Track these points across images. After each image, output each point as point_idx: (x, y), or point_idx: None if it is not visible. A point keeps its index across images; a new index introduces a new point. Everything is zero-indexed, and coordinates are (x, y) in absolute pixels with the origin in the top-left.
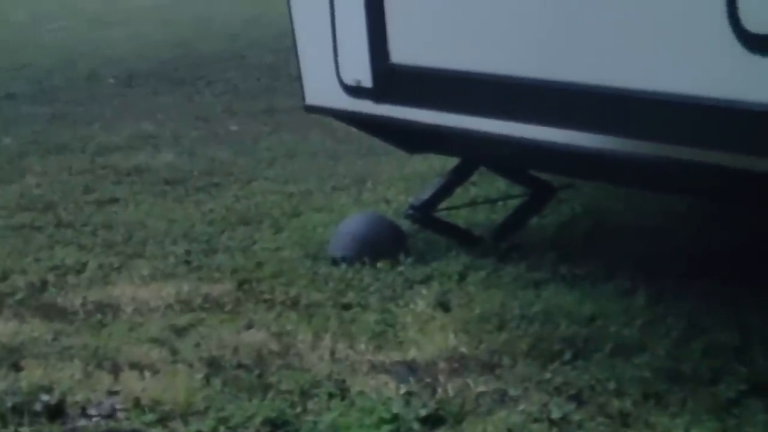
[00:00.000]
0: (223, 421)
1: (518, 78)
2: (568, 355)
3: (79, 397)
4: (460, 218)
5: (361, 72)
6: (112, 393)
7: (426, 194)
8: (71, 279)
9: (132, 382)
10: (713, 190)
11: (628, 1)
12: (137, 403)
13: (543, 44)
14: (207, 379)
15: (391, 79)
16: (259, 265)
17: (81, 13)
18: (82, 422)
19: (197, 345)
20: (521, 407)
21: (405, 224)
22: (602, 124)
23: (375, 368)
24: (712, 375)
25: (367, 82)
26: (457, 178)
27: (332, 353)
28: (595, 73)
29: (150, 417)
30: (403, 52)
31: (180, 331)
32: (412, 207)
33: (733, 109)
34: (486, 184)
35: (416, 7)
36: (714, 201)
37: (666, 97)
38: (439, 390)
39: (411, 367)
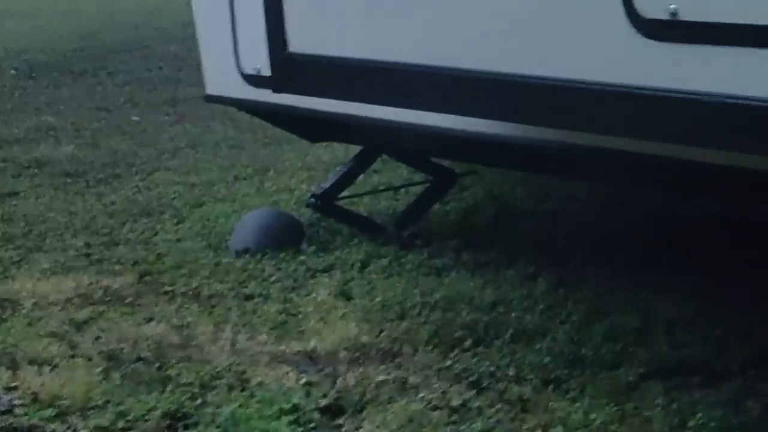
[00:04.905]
0: (122, 414)
1: (416, 66)
2: (468, 342)
3: None
4: (363, 206)
5: (260, 61)
6: (9, 389)
7: (328, 183)
8: None
9: (30, 378)
10: (613, 175)
11: None
12: (35, 399)
13: (441, 32)
14: (106, 373)
15: (290, 69)
16: (160, 256)
17: None
18: None
19: (97, 339)
20: (421, 395)
21: (307, 213)
22: (501, 111)
23: (276, 359)
24: (612, 359)
25: (267, 71)
26: (359, 166)
27: (233, 344)
28: (493, 60)
29: (48, 412)
30: (300, 41)
31: (80, 325)
32: (314, 196)
33: (629, 95)
34: (388, 171)
35: None
36: (614, 185)
37: (563, 83)
38: (340, 379)
39: (312, 357)
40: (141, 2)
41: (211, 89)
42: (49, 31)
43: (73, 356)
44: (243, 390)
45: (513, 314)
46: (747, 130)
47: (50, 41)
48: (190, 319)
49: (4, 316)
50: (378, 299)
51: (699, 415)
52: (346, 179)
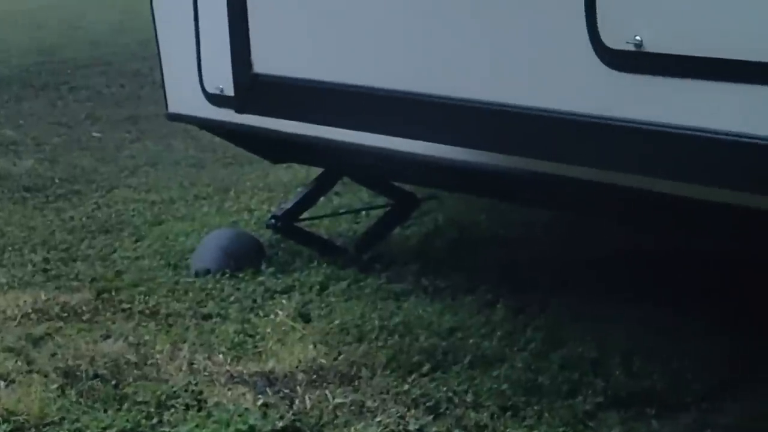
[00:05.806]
0: None
1: (383, 90)
2: (426, 367)
3: None
4: (323, 228)
5: (223, 80)
6: None
7: (288, 204)
8: None
9: None
10: (576, 204)
11: (490, 17)
12: None
13: (408, 57)
14: (62, 390)
15: (254, 89)
16: (119, 274)
17: None
18: None
19: (53, 355)
20: (378, 419)
21: (267, 234)
22: (467, 138)
23: (233, 379)
24: (569, 387)
25: (230, 90)
26: (320, 188)
27: (190, 364)
28: (460, 87)
29: (4, 428)
30: (265, 61)
31: (36, 341)
32: (274, 217)
33: (594, 125)
34: (349, 194)
35: (279, 17)
36: (577, 214)
37: (529, 112)
38: (297, 401)
39: (269, 379)
40: (103, 18)
41: (173, 107)
42: (9, 44)
43: (29, 372)
44: (200, 410)
45: (471, 340)
46: (709, 163)
47: (11, 55)
48: (147, 338)
49: None
50: (336, 322)
51: None
52: (307, 201)
